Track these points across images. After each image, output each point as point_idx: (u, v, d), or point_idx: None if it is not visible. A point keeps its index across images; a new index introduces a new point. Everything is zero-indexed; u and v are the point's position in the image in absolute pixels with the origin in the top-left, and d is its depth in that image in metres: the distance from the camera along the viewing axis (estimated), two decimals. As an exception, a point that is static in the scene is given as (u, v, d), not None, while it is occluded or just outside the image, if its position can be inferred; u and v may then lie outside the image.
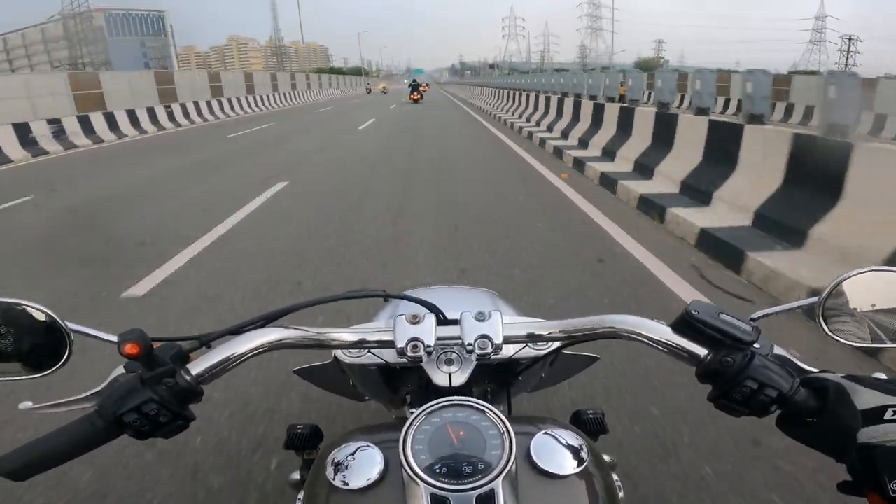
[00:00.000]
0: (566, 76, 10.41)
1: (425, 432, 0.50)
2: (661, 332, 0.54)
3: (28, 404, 0.52)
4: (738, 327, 0.51)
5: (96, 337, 0.54)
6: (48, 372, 0.54)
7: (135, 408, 0.49)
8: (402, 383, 0.77)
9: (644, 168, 5.86)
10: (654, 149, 5.93)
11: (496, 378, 0.75)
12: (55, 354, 0.54)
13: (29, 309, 0.53)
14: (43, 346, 0.54)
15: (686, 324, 0.53)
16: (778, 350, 0.55)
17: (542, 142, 9.32)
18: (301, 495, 0.62)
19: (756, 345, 0.51)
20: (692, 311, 0.52)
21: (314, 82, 39.41)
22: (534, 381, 0.87)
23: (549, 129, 10.43)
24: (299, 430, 0.82)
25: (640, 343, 0.55)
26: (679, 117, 5.52)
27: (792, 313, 0.66)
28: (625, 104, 7.78)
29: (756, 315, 0.55)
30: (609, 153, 7.02)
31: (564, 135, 9.24)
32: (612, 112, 7.59)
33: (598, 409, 0.80)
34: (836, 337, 0.56)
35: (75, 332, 0.54)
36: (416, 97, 25.37)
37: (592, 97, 9.36)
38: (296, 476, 0.87)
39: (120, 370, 0.56)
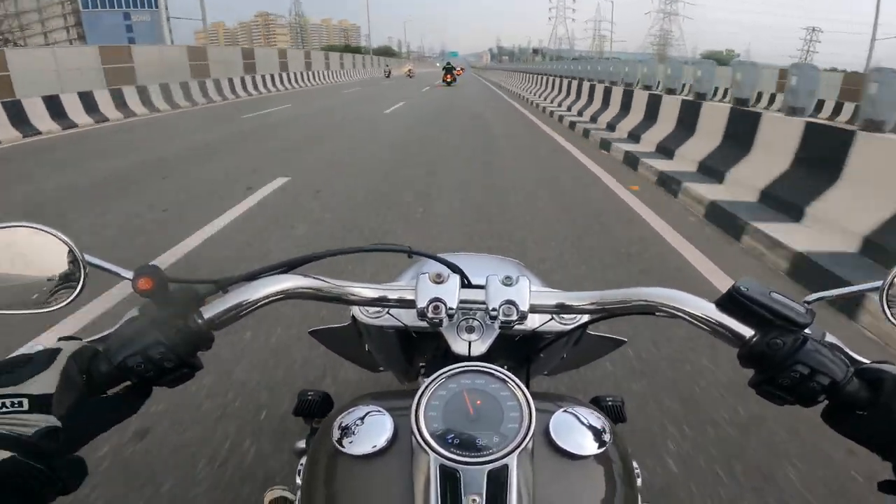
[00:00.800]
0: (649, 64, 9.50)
1: (440, 398, 0.48)
2: (704, 308, 0.51)
3: (40, 343, 0.46)
4: (791, 307, 0.47)
5: (111, 271, 0.53)
6: (60, 305, 0.52)
7: (140, 350, 0.46)
8: (419, 352, 0.76)
9: (712, 171, 5.21)
10: (724, 150, 5.27)
11: (516, 353, 0.71)
12: (68, 287, 0.52)
13: (47, 235, 0.51)
14: (57, 277, 0.52)
15: (733, 301, 0.49)
16: (829, 338, 0.49)
17: (605, 144, 7.57)
18: (304, 460, 0.59)
19: (808, 329, 0.47)
20: (741, 288, 0.49)
21: (334, 62, 36.06)
22: (555, 360, 0.84)
23: (612, 128, 8.58)
24: (310, 397, 0.80)
25: (679, 319, 0.52)
26: (763, 116, 4.82)
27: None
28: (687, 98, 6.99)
29: (810, 297, 0.50)
30: (666, 151, 6.35)
31: (633, 137, 7.54)
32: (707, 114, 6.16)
33: (618, 397, 0.76)
34: None
35: (91, 264, 0.52)
36: (449, 79, 25.88)
37: (670, 90, 8.28)
38: (301, 444, 0.85)
39: (133, 312, 0.52)
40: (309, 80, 26.99)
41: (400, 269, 0.88)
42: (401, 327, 0.70)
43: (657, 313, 0.53)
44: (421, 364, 0.75)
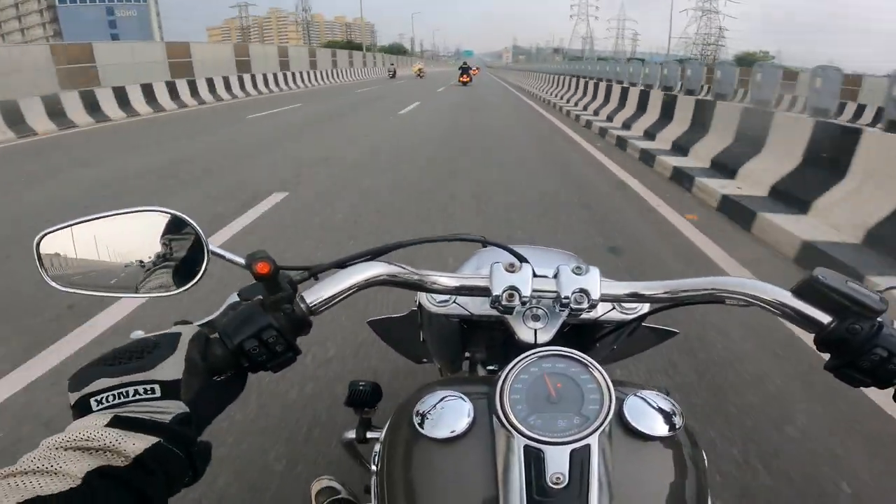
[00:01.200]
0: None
1: (523, 381, 0.49)
2: (781, 295, 0.52)
3: (140, 333, 0.48)
4: (868, 295, 0.49)
5: (229, 259, 0.55)
6: (184, 288, 0.54)
7: (255, 334, 0.48)
8: (474, 339, 0.78)
9: (723, 168, 5.01)
10: (736, 146, 5.03)
11: (573, 342, 0.67)
12: (188, 272, 0.54)
13: (181, 222, 0.53)
14: (185, 261, 0.54)
15: (811, 289, 0.51)
16: None
17: (650, 157, 6.26)
18: (378, 447, 0.62)
19: (883, 316, 0.50)
20: (819, 277, 0.51)
21: (342, 60, 33.49)
22: (608, 350, 0.84)
23: (652, 136, 7.36)
24: (361, 388, 0.81)
25: (756, 307, 0.54)
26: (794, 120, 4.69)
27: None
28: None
29: (883, 287, 0.54)
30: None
31: (679, 148, 6.32)
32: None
33: (663, 388, 0.69)
34: None
35: (213, 252, 0.54)
36: (465, 79, 25.76)
37: (689, 91, 8.37)
38: (351, 434, 0.85)
39: (233, 298, 0.56)
40: (313, 79, 25.79)
41: (461, 260, 0.92)
42: (466, 315, 0.73)
43: (728, 302, 0.55)
44: (467, 355, 0.79)
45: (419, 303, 0.79)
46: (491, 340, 0.73)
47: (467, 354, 0.80)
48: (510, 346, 0.62)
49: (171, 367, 0.42)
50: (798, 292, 0.52)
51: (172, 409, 0.41)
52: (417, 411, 0.51)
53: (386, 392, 0.84)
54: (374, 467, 0.62)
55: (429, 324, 0.82)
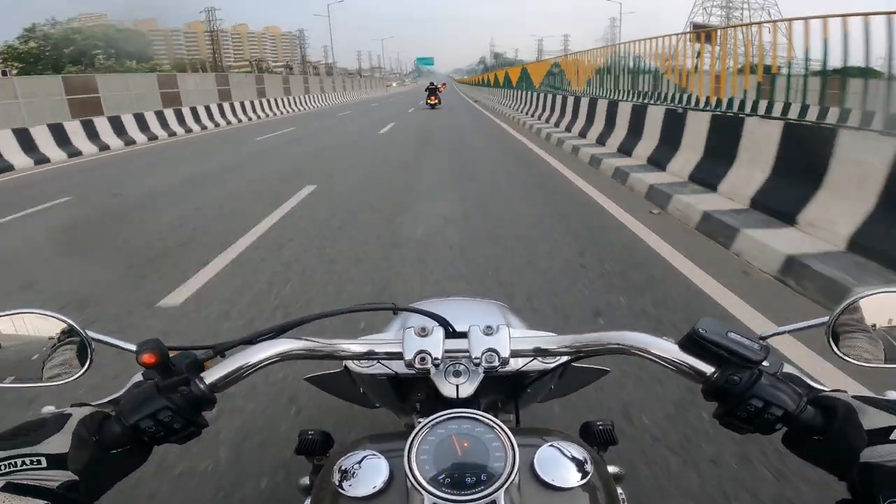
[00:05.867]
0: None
1: (430, 443, 0.52)
2: (668, 349, 0.56)
3: (50, 408, 0.53)
4: (746, 346, 0.52)
5: (115, 346, 0.58)
6: (70, 379, 0.58)
7: (150, 414, 0.52)
8: (412, 392, 0.81)
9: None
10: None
11: (505, 389, 0.77)
12: (76, 363, 0.59)
13: (51, 318, 0.58)
14: (64, 355, 0.59)
15: (693, 342, 0.55)
16: (788, 368, 0.57)
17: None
18: (308, 501, 0.65)
19: (765, 363, 0.53)
20: (700, 330, 0.54)
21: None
22: (543, 392, 0.89)
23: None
24: (310, 436, 0.83)
25: (646, 359, 0.58)
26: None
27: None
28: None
29: (765, 334, 0.56)
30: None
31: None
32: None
33: (608, 421, 0.81)
34: (846, 357, 0.57)
35: (95, 340, 0.58)
36: (433, 101, 23.45)
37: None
38: (305, 481, 0.89)
39: (138, 377, 0.60)
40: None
41: (389, 319, 0.94)
42: (391, 374, 0.76)
43: (626, 353, 0.59)
44: (415, 402, 0.81)
45: (344, 364, 0.84)
46: (428, 390, 0.74)
47: (416, 401, 0.82)
48: (439, 400, 0.65)
49: (57, 442, 0.47)
50: (683, 346, 0.56)
51: (59, 477, 0.45)
52: (340, 467, 0.54)
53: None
54: None
55: (361, 381, 0.85)
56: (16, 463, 0.46)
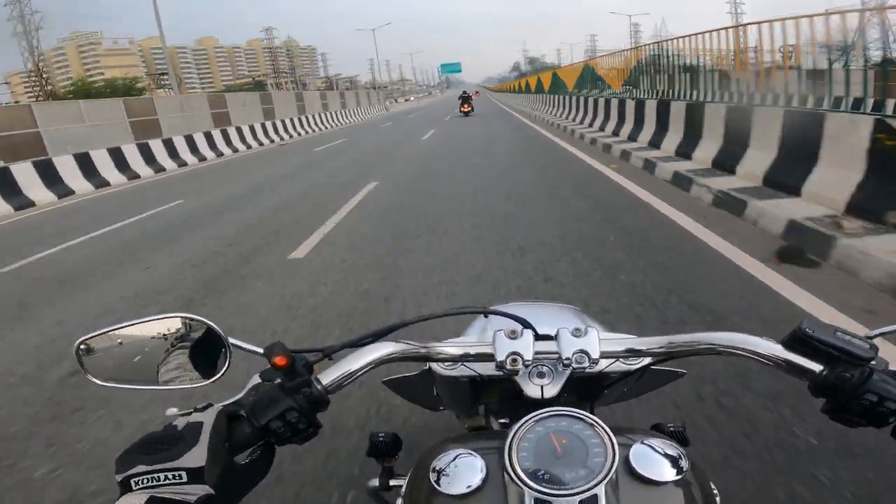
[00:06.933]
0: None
1: (529, 440, 0.53)
2: (772, 348, 0.57)
3: (174, 410, 0.57)
4: (856, 344, 0.54)
5: (249, 350, 0.62)
6: (211, 381, 0.63)
7: (279, 415, 0.56)
8: (486, 394, 0.83)
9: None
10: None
11: (582, 390, 0.78)
12: (216, 364, 0.64)
13: (197, 323, 0.64)
14: (207, 357, 0.64)
15: (799, 341, 0.56)
16: (894, 366, 0.57)
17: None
18: (399, 502, 0.66)
19: (873, 361, 0.54)
20: (806, 329, 0.55)
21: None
22: (617, 393, 0.90)
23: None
24: (381, 439, 0.85)
25: (749, 359, 0.58)
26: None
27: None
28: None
29: (872, 333, 0.57)
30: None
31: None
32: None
33: (680, 423, 0.81)
34: None
35: (233, 345, 0.62)
36: (466, 109, 24.81)
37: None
38: (374, 483, 0.90)
39: (256, 379, 0.63)
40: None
41: (465, 324, 0.99)
42: (475, 376, 0.77)
43: (724, 354, 0.60)
44: (482, 404, 0.83)
45: (429, 365, 0.84)
46: (503, 394, 0.76)
47: (482, 404, 0.84)
48: (520, 401, 0.66)
49: (195, 456, 0.50)
50: (788, 344, 0.56)
51: (198, 491, 0.48)
52: (434, 468, 0.54)
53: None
54: None
55: (440, 383, 0.86)
56: (159, 477, 0.49)
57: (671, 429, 0.81)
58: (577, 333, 0.64)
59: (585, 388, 0.78)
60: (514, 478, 0.50)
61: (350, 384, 0.62)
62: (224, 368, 0.63)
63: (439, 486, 0.53)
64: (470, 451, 0.55)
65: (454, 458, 0.55)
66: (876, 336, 0.57)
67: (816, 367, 0.55)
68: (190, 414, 0.55)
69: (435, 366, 0.81)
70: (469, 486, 0.52)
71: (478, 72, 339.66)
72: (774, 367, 0.57)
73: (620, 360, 0.73)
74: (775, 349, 0.57)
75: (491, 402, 0.84)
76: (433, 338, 0.69)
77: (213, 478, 0.50)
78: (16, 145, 11.57)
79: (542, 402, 0.65)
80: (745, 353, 0.58)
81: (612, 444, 0.52)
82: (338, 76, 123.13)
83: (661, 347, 0.64)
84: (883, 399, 0.52)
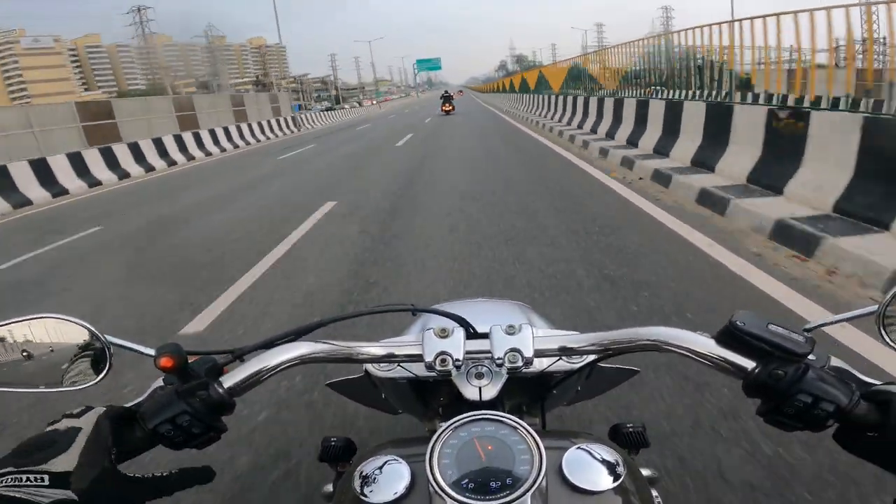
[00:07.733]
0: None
1: (452, 447, 0.51)
2: (705, 344, 0.54)
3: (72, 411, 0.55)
4: (790, 338, 0.50)
5: (134, 350, 0.59)
6: (89, 384, 0.60)
7: (169, 419, 0.53)
8: (434, 396, 0.80)
9: None
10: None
11: (529, 391, 0.76)
12: (96, 368, 0.60)
13: (69, 323, 0.59)
14: (84, 360, 0.60)
15: (731, 335, 0.52)
16: (836, 362, 0.54)
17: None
18: None
19: (811, 356, 0.50)
20: (738, 323, 0.52)
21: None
22: (569, 394, 0.88)
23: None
24: (333, 443, 0.83)
25: (681, 356, 0.56)
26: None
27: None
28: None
29: (809, 326, 0.54)
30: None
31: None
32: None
33: (639, 423, 0.79)
34: None
35: (114, 345, 0.59)
36: (447, 108, 26.03)
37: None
38: (329, 488, 0.89)
39: (159, 382, 0.59)
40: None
41: (409, 322, 0.94)
42: (412, 378, 0.75)
43: (658, 349, 0.57)
44: (437, 406, 0.80)
45: (365, 368, 0.82)
46: (449, 396, 0.73)
47: (440, 409, 0.82)
48: (460, 404, 0.64)
49: (63, 461, 0.48)
50: (720, 340, 0.53)
51: (56, 496, 0.47)
52: (361, 474, 0.53)
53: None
54: None
55: (382, 385, 0.84)
56: (20, 478, 0.47)
57: (630, 429, 0.79)
58: (510, 331, 0.61)
59: (533, 390, 0.76)
60: (436, 487, 0.47)
61: (258, 386, 0.59)
62: (105, 370, 0.60)
63: (363, 494, 0.51)
64: (397, 458, 0.54)
65: (382, 465, 0.53)
66: (813, 329, 0.54)
67: (749, 365, 0.52)
68: (77, 417, 0.52)
69: (371, 368, 0.80)
70: (395, 493, 0.51)
71: (460, 72, 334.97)
72: (710, 365, 0.54)
73: (563, 358, 0.71)
74: (708, 345, 0.54)
75: (435, 404, 0.81)
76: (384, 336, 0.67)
77: (83, 483, 0.48)
78: None
79: (482, 405, 0.62)
80: (677, 350, 0.55)
81: (540, 450, 0.49)
82: (304, 76, 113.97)
83: (597, 344, 0.61)
84: (818, 399, 0.48)
